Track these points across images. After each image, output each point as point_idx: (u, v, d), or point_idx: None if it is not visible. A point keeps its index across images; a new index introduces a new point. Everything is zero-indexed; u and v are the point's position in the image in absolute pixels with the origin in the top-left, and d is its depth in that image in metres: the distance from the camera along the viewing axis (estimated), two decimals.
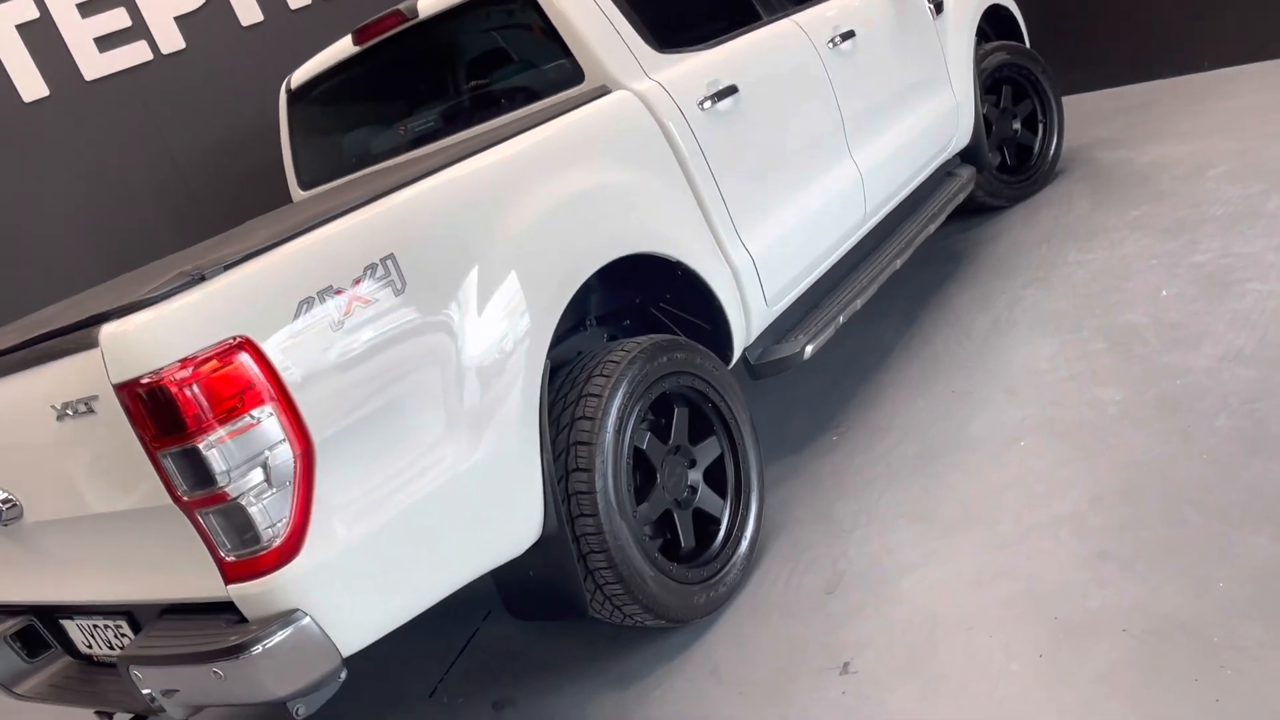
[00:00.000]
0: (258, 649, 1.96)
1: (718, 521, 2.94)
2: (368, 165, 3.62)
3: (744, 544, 2.94)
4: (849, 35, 3.87)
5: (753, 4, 3.65)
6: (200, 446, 1.92)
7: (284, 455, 1.99)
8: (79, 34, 5.52)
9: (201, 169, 5.87)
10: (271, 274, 2.06)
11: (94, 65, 5.56)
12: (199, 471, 1.93)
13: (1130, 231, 4.21)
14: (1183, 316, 3.38)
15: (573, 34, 3.04)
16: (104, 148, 5.61)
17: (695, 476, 2.92)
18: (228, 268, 2.02)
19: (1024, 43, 5.33)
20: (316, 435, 2.03)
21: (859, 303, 3.64)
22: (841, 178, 3.72)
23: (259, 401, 1.97)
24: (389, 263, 2.21)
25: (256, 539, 1.97)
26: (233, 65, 5.88)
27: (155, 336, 1.92)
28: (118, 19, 5.58)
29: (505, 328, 2.38)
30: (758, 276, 3.23)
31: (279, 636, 1.97)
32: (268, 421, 1.98)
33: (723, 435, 3.00)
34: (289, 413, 2.00)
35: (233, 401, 1.95)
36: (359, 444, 2.11)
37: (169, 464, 1.95)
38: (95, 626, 2.50)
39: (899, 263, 3.92)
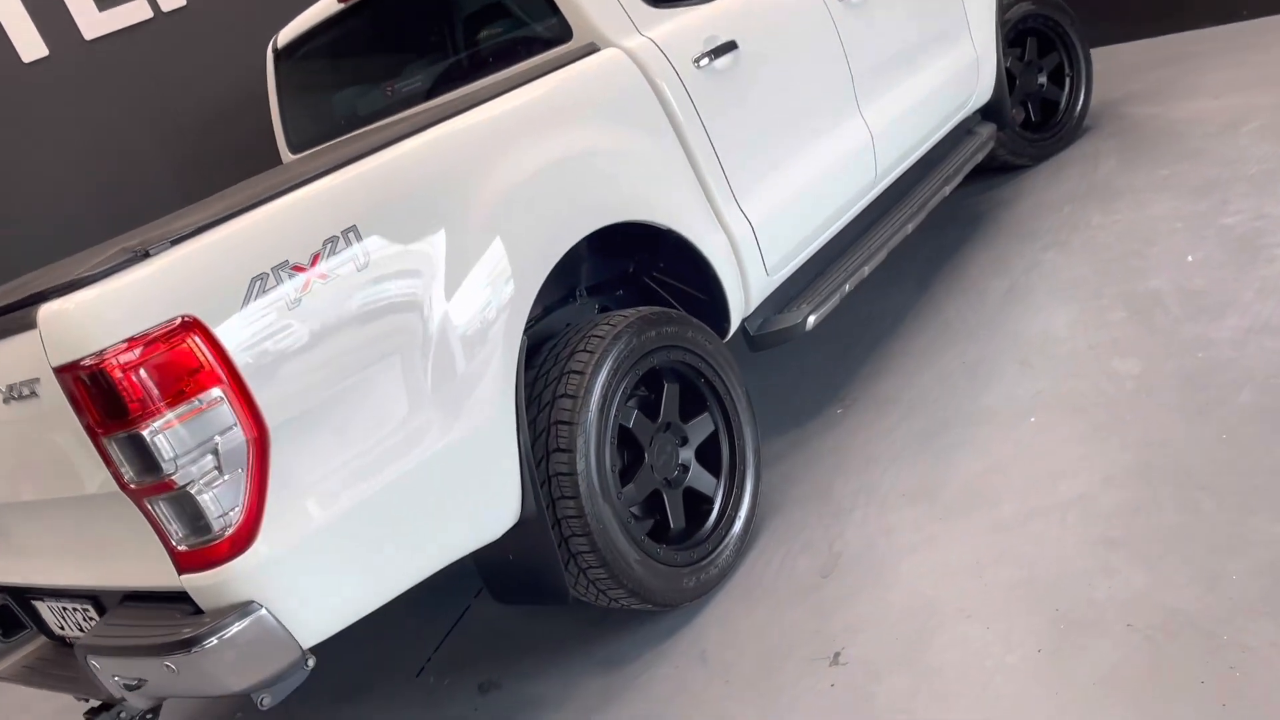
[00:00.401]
0: (211, 643, 1.89)
1: (711, 501, 2.83)
2: (357, 127, 3.50)
3: (738, 524, 2.83)
4: None
5: None
6: (145, 433, 1.83)
7: (235, 441, 1.90)
8: None
9: (204, 128, 5.77)
10: (222, 250, 1.95)
11: (93, 24, 5.45)
12: (144, 458, 1.85)
13: (1158, 192, 4.01)
14: (1208, 283, 3.21)
15: None
16: (105, 108, 5.51)
17: (687, 455, 2.80)
18: (174, 243, 1.92)
19: None
20: (271, 419, 1.94)
21: (866, 270, 3.49)
22: (850, 138, 3.55)
23: (207, 385, 1.88)
24: (351, 235, 2.10)
25: (208, 528, 1.89)
26: (235, 22, 5.75)
27: (96, 317, 1.82)
28: None
29: (478, 304, 2.27)
30: (757, 244, 3.09)
31: (233, 630, 1.90)
32: (217, 406, 1.88)
33: (716, 411, 2.88)
34: (240, 396, 1.91)
35: (179, 385, 1.85)
36: (318, 428, 2.01)
37: (114, 450, 1.86)
38: (65, 609, 2.43)
39: (911, 227, 3.75)
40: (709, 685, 2.45)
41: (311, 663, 2.06)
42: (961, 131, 4.45)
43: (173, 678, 1.94)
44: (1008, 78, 4.76)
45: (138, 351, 1.83)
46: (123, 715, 2.52)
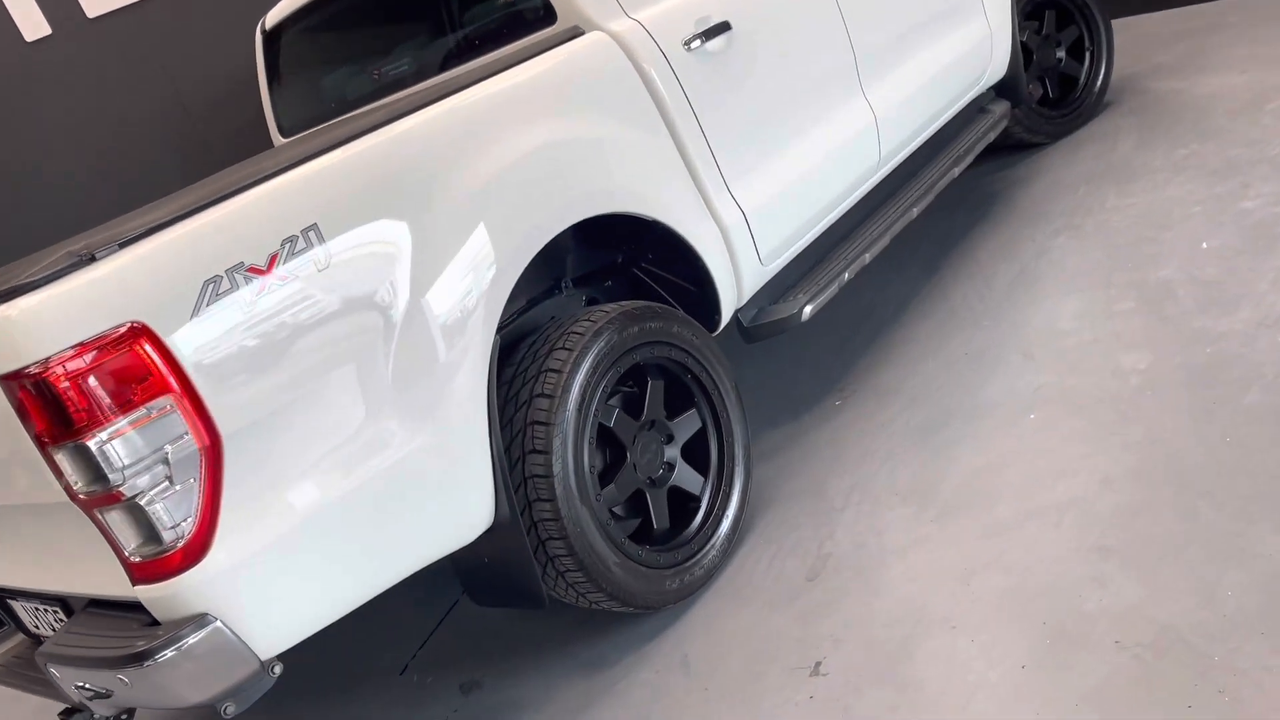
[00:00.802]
0: (164, 656, 1.84)
1: (697, 500, 2.75)
2: (346, 110, 3.42)
3: (725, 524, 2.76)
4: None
5: None
6: (91, 443, 1.78)
7: (187, 450, 1.85)
8: None
9: (210, 107, 5.71)
10: (172, 253, 1.89)
11: (96, 2, 5.40)
12: (92, 469, 1.80)
13: (1176, 173, 3.87)
14: (1222, 273, 3.08)
15: None
16: (109, 87, 5.47)
17: (673, 453, 2.73)
18: (122, 246, 1.85)
19: None
20: (225, 427, 1.88)
21: (868, 257, 3.39)
22: (852, 120, 3.43)
23: (156, 393, 1.82)
24: (311, 234, 2.03)
25: (159, 539, 1.84)
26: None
27: (39, 324, 1.77)
28: None
29: (447, 305, 2.20)
30: (750, 234, 2.99)
31: (186, 643, 1.85)
32: (167, 415, 1.83)
33: (705, 408, 2.80)
34: (192, 404, 1.85)
35: (127, 394, 1.80)
36: (276, 435, 1.96)
37: (61, 460, 1.81)
38: (37, 609, 2.41)
39: (916, 211, 3.63)
40: (689, 693, 2.39)
41: (278, 670, 2.02)
42: (974, 110, 4.31)
43: (128, 690, 1.90)
44: (1024, 52, 4.60)
45: (84, 360, 1.77)
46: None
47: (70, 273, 1.80)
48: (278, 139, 3.70)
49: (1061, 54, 4.73)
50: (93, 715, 2.41)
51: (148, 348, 1.82)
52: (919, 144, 3.88)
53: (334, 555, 2.04)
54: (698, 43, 2.91)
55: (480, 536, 2.31)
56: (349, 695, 2.93)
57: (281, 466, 1.96)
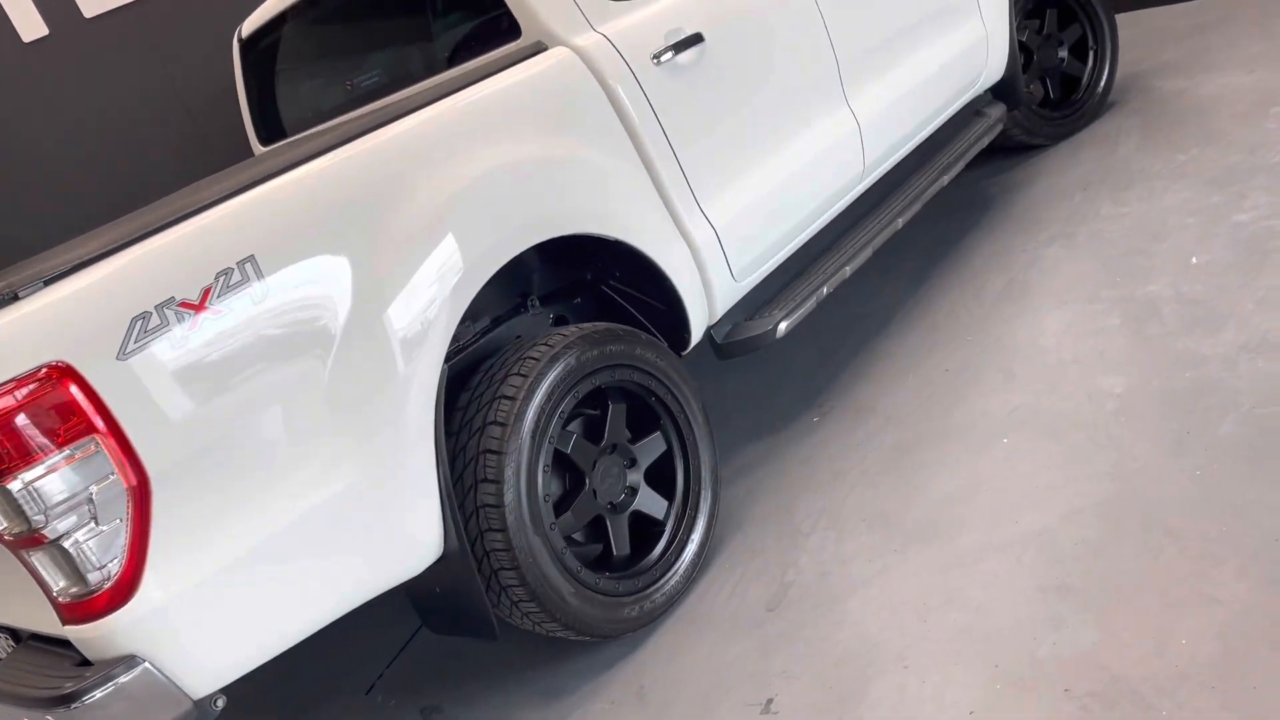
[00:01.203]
0: (92, 698, 1.83)
1: (662, 524, 2.71)
2: (321, 120, 3.39)
3: (690, 549, 2.71)
4: None
5: None
6: (13, 485, 1.76)
7: (113, 491, 1.83)
8: None
9: (209, 105, 5.70)
10: (99, 290, 1.86)
11: (93, 2, 5.39)
12: (15, 511, 1.78)
13: (1174, 180, 3.77)
14: (1210, 291, 2.99)
15: None
16: (108, 88, 5.47)
17: (635, 477, 2.68)
18: (46, 284, 1.83)
19: None
20: (153, 466, 1.86)
21: (848, 270, 3.32)
22: (834, 130, 3.36)
23: (81, 434, 1.80)
24: (248, 266, 2.00)
25: (84, 580, 1.83)
26: None
27: None
28: None
29: (391, 335, 2.16)
30: (722, 251, 2.94)
31: (115, 684, 1.84)
32: (92, 455, 1.81)
33: (670, 430, 2.76)
34: (119, 444, 1.83)
35: (50, 435, 1.78)
36: (208, 472, 1.93)
37: None
38: None
39: (901, 222, 3.56)
40: None
41: (220, 703, 2.01)
42: (969, 113, 4.22)
43: None
44: (1025, 53, 4.50)
45: (6, 400, 1.75)
46: None
47: None
48: (257, 147, 3.67)
49: (1064, 54, 4.61)
50: None
51: (72, 388, 1.80)
52: (909, 150, 3.80)
53: (271, 590, 2.02)
54: (668, 55, 2.85)
55: (431, 566, 2.29)
56: (313, 715, 2.92)
57: (214, 504, 1.94)
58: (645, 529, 2.72)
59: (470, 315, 2.67)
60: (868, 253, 3.42)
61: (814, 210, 3.30)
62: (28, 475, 1.76)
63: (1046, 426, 2.72)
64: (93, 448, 1.80)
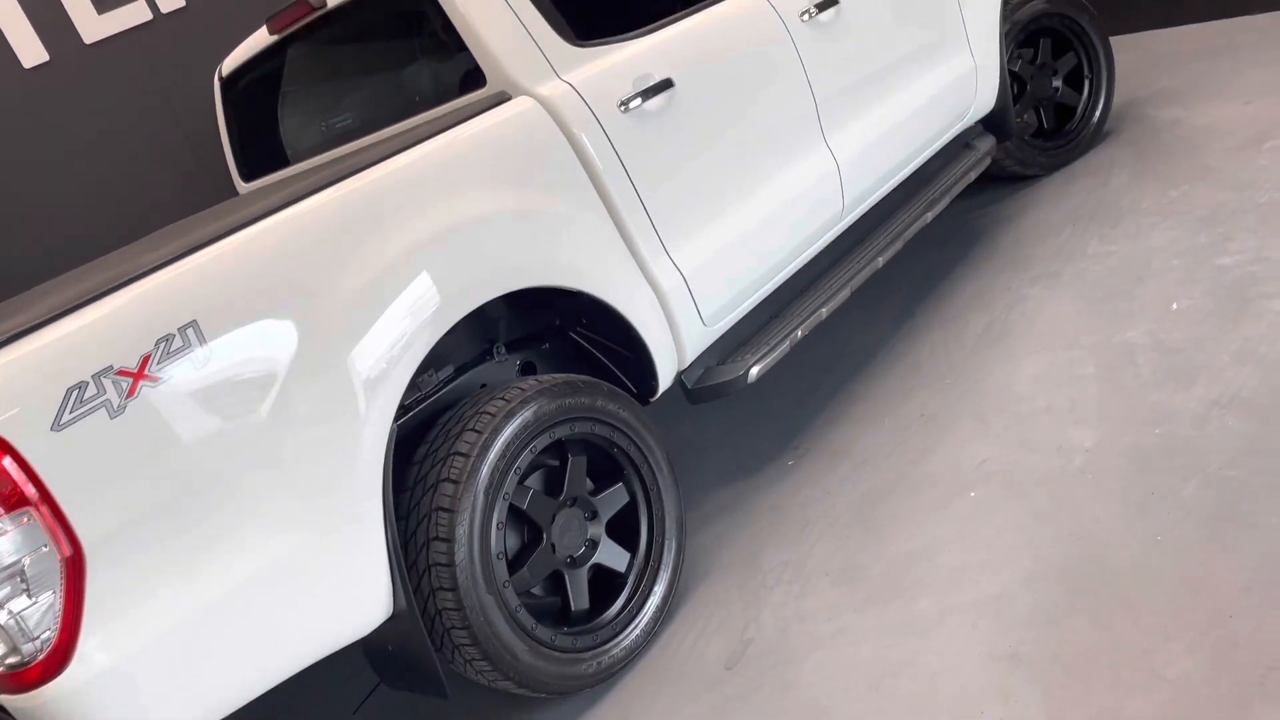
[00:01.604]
0: None
1: (624, 577, 2.69)
2: (302, 159, 3.40)
3: (652, 601, 2.69)
4: (830, 3, 3.43)
5: None
6: None
7: (46, 563, 1.83)
8: None
9: (209, 133, 5.71)
10: (34, 360, 1.87)
11: (93, 28, 5.43)
12: None
13: (1162, 218, 3.71)
14: (1187, 339, 2.94)
15: (469, 31, 2.72)
16: (108, 113, 5.50)
17: (596, 530, 2.67)
18: None
19: None
20: (87, 536, 1.86)
21: (824, 312, 3.29)
22: (811, 170, 3.33)
23: (14, 506, 1.80)
24: (189, 332, 2.00)
25: (18, 651, 1.83)
26: (237, 22, 5.65)
27: None
28: None
29: (338, 397, 2.15)
30: (691, 296, 2.92)
31: None
32: (24, 527, 1.81)
33: (634, 481, 2.74)
34: (53, 515, 1.83)
35: None
36: (146, 539, 1.93)
37: None
38: None
39: (882, 261, 3.53)
40: None
41: None
42: (958, 146, 4.18)
43: None
44: (1018, 83, 4.46)
45: None
46: None
47: None
48: (240, 184, 3.68)
49: (1058, 83, 4.56)
50: None
51: (5, 460, 1.80)
52: (893, 186, 3.77)
53: (213, 655, 2.02)
54: (637, 102, 2.83)
55: (383, 623, 2.28)
56: None
57: (151, 572, 1.94)
58: (607, 580, 2.70)
59: (433, 364, 2.67)
60: (845, 293, 3.39)
61: (790, 252, 3.27)
62: None
63: (1014, 481, 2.69)
64: (25, 520, 1.81)
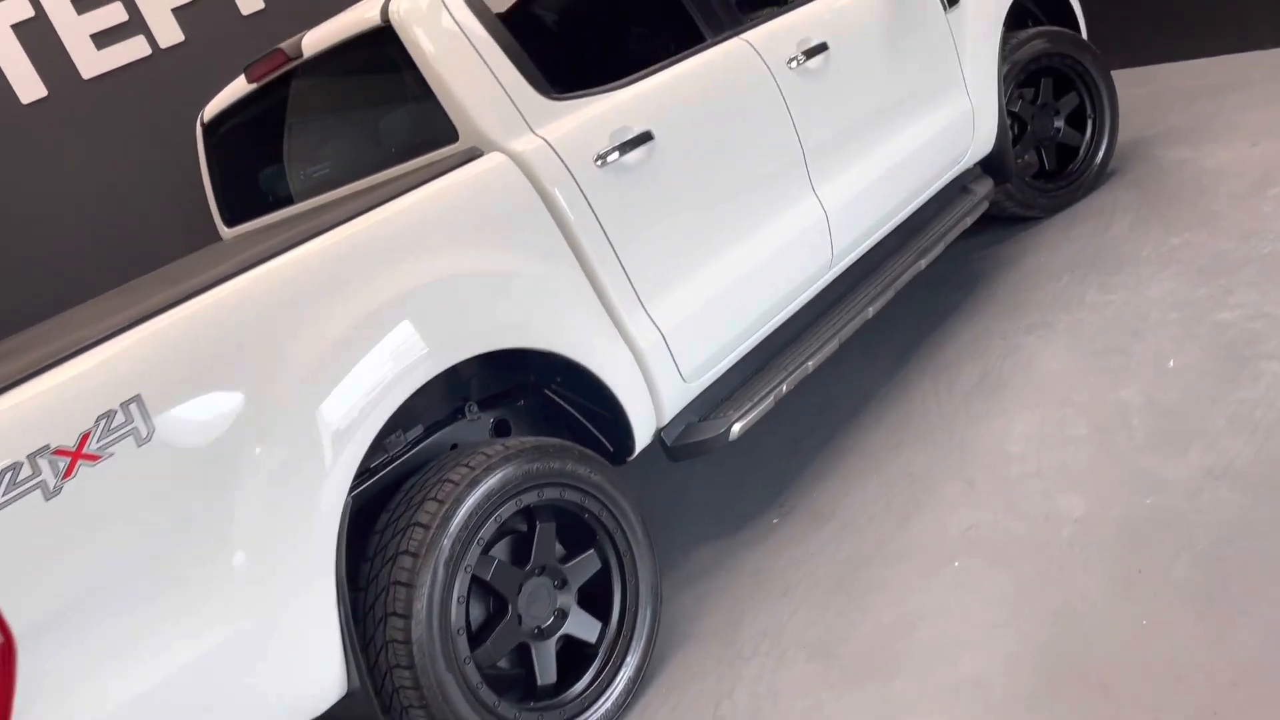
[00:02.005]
0: None
1: (594, 648, 2.61)
2: (281, 206, 3.35)
3: (624, 674, 2.61)
4: (818, 50, 3.36)
5: (688, 26, 3.18)
6: None
7: None
8: (75, 31, 5.39)
9: None
10: None
11: (92, 63, 5.43)
12: None
13: (1162, 267, 3.61)
14: (1182, 400, 2.85)
15: (439, 84, 2.67)
16: (106, 148, 5.50)
17: (566, 599, 2.58)
18: None
19: (1078, 25, 4.63)
20: (18, 625, 1.80)
21: (811, 365, 3.21)
22: (799, 220, 3.26)
23: None
24: (133, 407, 1.94)
25: None
26: (235, 57, 5.63)
27: None
28: (114, 14, 5.42)
29: (289, 472, 2.09)
30: (669, 354, 2.85)
31: None
32: None
33: (607, 547, 2.66)
34: None
35: None
36: (82, 627, 1.87)
37: None
38: None
39: (872, 311, 3.45)
40: None
41: None
42: (955, 189, 4.10)
43: None
44: (1019, 123, 4.38)
45: None
46: None
47: None
48: (223, 230, 3.64)
49: (1060, 123, 4.47)
50: None
51: None
52: (885, 233, 3.69)
53: None
54: (615, 155, 2.77)
55: (337, 702, 2.21)
56: None
57: (87, 659, 1.87)
58: (576, 651, 2.62)
59: (402, 424, 2.60)
60: (834, 345, 3.31)
61: (776, 304, 3.20)
62: None
63: (999, 551, 2.59)
64: None
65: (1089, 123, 4.51)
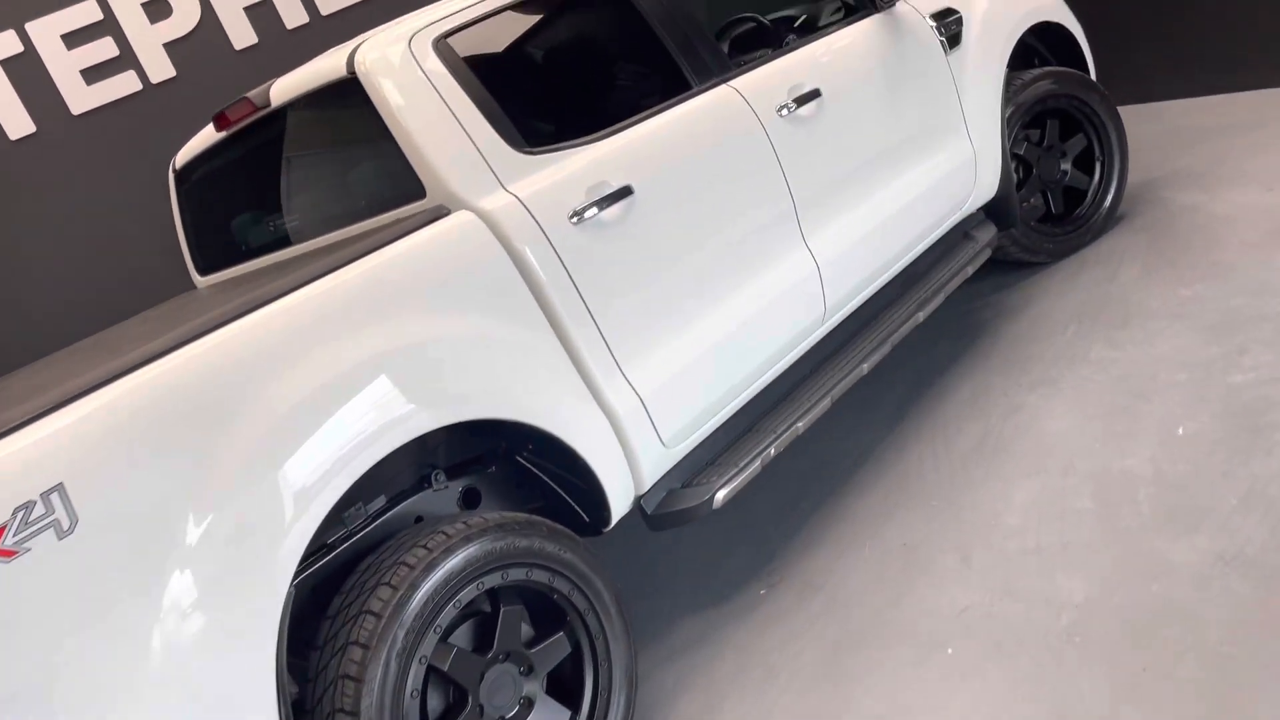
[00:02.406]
0: None
1: None
2: (253, 256, 3.22)
3: None
4: (811, 96, 3.23)
5: (672, 74, 3.05)
6: None
7: None
8: (65, 66, 5.32)
9: None
10: None
11: (82, 98, 5.36)
12: None
13: (1172, 321, 3.45)
14: (1192, 473, 2.68)
15: (406, 139, 2.54)
16: (96, 185, 5.41)
17: (533, 686, 2.43)
18: None
19: (1086, 65, 4.48)
20: None
21: (801, 426, 3.06)
22: (789, 274, 3.11)
23: None
24: (53, 498, 1.81)
25: None
26: (227, 93, 5.55)
27: None
28: (105, 49, 5.36)
29: (225, 565, 1.95)
30: (649, 418, 2.70)
31: None
32: None
33: (579, 630, 2.50)
34: None
35: None
36: None
37: None
38: None
39: (867, 368, 3.30)
40: None
41: None
42: (957, 235, 3.95)
43: None
44: (1024, 166, 4.23)
45: None
46: None
47: None
48: (197, 278, 3.52)
49: (1066, 166, 4.32)
50: None
51: None
52: (882, 284, 3.54)
53: None
54: (591, 212, 2.64)
55: None
56: None
57: None
58: None
59: (363, 495, 2.47)
60: (826, 403, 3.16)
61: (764, 362, 3.05)
62: None
63: (994, 639, 2.43)
64: None
65: (1097, 165, 4.35)
